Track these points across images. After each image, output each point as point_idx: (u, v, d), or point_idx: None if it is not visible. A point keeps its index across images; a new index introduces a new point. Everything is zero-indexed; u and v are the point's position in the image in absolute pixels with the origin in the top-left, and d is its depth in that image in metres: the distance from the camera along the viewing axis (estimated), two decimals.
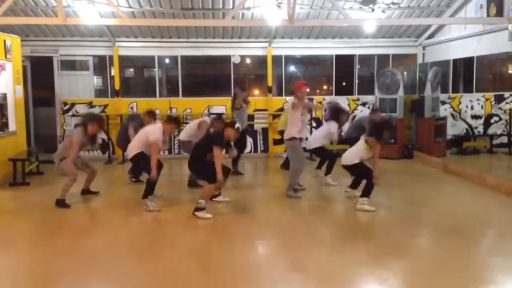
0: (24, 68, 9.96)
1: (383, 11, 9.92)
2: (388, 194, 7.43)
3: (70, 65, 11.56)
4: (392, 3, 9.94)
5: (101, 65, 11.80)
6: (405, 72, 12.39)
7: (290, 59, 12.37)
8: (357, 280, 4.27)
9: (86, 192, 7.42)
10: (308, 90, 7.65)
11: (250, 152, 11.70)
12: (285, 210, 6.72)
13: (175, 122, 7.10)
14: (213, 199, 6.79)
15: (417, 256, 4.90)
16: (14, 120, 8.93)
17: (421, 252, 5.11)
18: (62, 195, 6.76)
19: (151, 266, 4.55)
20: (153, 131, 6.64)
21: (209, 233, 5.71)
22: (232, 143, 6.97)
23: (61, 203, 6.73)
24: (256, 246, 5.23)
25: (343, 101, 11.54)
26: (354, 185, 7.02)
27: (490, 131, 11.34)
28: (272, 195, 7.53)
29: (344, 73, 12.14)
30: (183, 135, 8.22)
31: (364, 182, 6.62)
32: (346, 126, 9.53)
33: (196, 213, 6.17)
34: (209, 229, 5.85)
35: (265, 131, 11.72)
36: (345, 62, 11.97)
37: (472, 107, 11.45)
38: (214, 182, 6.17)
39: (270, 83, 11.63)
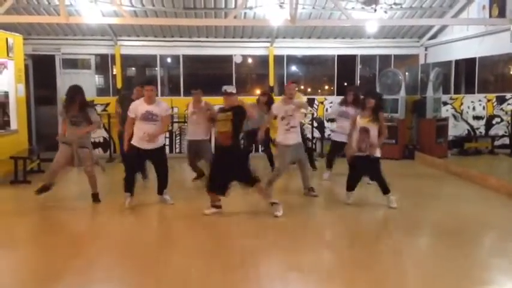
0: (26, 66, 9.97)
1: (385, 12, 9.91)
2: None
3: (72, 63, 11.58)
4: (395, 3, 9.95)
5: (103, 63, 11.82)
6: (407, 73, 12.37)
7: (292, 59, 12.37)
8: (356, 280, 4.27)
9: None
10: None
11: (251, 151, 11.67)
12: (284, 210, 6.71)
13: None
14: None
15: (418, 256, 4.90)
16: (16, 118, 8.95)
17: (421, 252, 5.10)
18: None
19: (151, 265, 4.55)
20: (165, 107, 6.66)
21: (209, 232, 5.71)
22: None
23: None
24: (256, 245, 5.23)
25: None
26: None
27: (492, 132, 11.33)
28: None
29: (346, 73, 12.13)
30: None
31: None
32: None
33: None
34: (209, 228, 5.85)
35: (266, 130, 11.65)
36: (346, 62, 11.97)
37: (473, 108, 11.43)
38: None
39: (271, 82, 11.63)
